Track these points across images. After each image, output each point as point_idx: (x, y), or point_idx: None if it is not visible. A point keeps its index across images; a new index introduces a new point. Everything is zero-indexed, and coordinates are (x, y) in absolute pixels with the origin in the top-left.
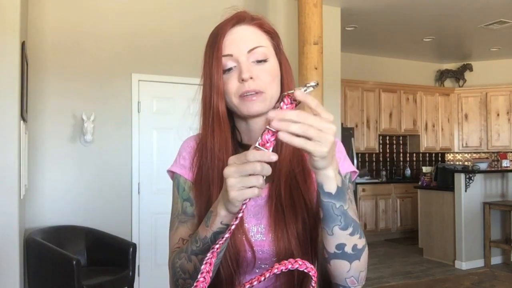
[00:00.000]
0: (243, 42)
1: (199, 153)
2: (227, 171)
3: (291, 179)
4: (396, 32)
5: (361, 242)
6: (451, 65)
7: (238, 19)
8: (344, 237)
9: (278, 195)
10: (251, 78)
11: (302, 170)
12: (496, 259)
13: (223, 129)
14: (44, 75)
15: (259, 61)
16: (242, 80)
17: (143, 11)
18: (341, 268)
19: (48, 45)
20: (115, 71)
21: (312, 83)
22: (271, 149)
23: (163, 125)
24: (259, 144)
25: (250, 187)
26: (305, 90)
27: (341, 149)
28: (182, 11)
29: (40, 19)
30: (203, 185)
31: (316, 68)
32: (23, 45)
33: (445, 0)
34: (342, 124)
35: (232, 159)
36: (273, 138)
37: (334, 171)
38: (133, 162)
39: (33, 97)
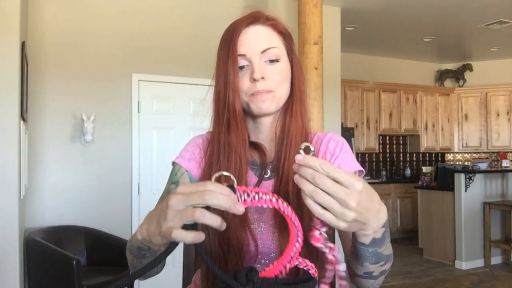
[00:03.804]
0: (257, 42)
1: (211, 151)
2: (172, 200)
3: None
4: (396, 32)
5: (389, 265)
6: (451, 65)
7: (253, 18)
8: (374, 268)
9: (286, 194)
10: (262, 78)
11: None
12: (496, 259)
13: (239, 125)
14: (44, 75)
15: (271, 61)
16: (254, 80)
17: (143, 11)
18: (367, 284)
19: (48, 45)
20: (115, 71)
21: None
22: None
23: (163, 125)
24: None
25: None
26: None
27: (347, 149)
28: (182, 11)
29: (40, 19)
30: None
31: (316, 68)
32: (23, 45)
33: (445, 0)
34: (342, 124)
35: (182, 187)
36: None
37: (371, 229)
38: (133, 162)
39: (33, 97)
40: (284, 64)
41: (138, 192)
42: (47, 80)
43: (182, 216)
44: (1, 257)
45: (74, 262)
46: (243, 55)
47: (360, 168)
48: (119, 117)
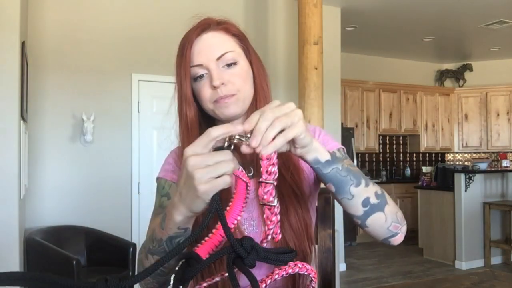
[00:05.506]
0: (210, 50)
1: (179, 162)
2: (192, 162)
3: None
4: (396, 32)
5: (377, 187)
6: (451, 65)
7: (204, 26)
8: (363, 191)
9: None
10: (222, 84)
11: (285, 162)
12: (496, 259)
13: (190, 136)
14: (44, 75)
15: (229, 65)
16: (214, 87)
17: (143, 11)
18: (379, 222)
19: (48, 45)
20: (115, 71)
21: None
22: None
23: (163, 125)
24: (263, 178)
25: (220, 176)
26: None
27: (325, 132)
28: (182, 11)
29: (40, 19)
30: None
31: (316, 68)
32: (23, 45)
33: (445, 0)
34: (342, 124)
35: (193, 147)
36: (267, 162)
37: (317, 143)
38: (133, 162)
39: (33, 97)
40: (242, 66)
41: (138, 192)
42: (47, 80)
43: (214, 171)
44: (1, 257)
45: (74, 262)
46: (200, 65)
47: (341, 146)
48: (119, 117)
